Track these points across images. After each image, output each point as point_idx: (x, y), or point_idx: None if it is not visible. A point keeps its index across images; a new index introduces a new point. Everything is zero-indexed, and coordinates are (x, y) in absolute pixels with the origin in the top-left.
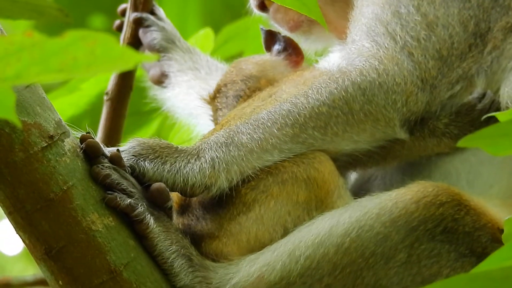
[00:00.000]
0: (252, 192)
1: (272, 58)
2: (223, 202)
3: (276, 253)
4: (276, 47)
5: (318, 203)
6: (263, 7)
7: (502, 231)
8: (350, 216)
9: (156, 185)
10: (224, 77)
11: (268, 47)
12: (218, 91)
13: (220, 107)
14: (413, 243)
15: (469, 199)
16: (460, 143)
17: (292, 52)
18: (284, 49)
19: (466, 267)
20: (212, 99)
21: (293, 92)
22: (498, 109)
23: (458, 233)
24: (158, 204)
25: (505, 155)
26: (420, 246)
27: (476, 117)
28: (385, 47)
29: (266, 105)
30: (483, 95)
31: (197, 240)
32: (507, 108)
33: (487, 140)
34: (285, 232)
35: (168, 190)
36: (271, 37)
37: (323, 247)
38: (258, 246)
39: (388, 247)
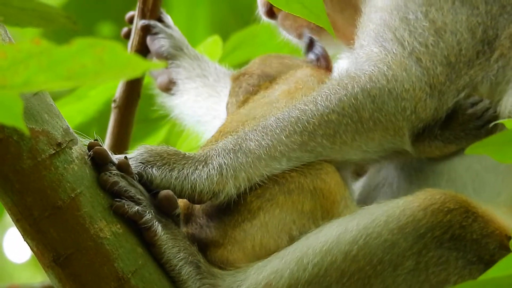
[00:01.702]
0: (257, 200)
1: (299, 63)
2: (227, 209)
3: (284, 261)
4: (310, 55)
5: (324, 214)
6: (271, 14)
7: (510, 238)
8: (357, 224)
9: (164, 192)
10: (249, 65)
11: (306, 53)
12: (238, 77)
13: (232, 93)
14: (421, 250)
15: (477, 206)
16: (467, 151)
17: (322, 64)
18: (317, 60)
19: (474, 274)
20: (234, 79)
21: (285, 89)
22: (494, 117)
23: (465, 240)
24: (166, 211)
25: (509, 163)
26: (428, 253)
27: (466, 121)
28: (393, 52)
29: (258, 105)
30: (478, 102)
31: (202, 248)
32: (509, 117)
33: (494, 147)
34: (291, 240)
35: (176, 197)
36: (311, 44)
37: (331, 255)
38: (264, 253)
39: (396, 254)
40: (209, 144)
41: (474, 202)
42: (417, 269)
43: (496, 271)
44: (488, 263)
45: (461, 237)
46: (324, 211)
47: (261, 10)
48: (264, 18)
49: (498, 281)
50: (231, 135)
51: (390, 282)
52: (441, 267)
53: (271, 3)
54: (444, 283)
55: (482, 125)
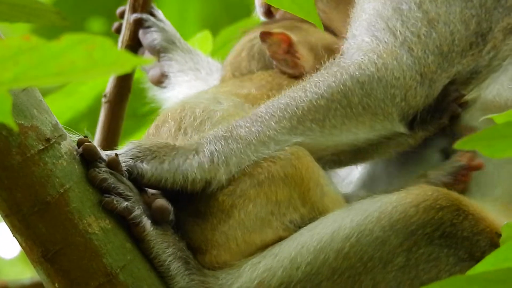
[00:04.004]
0: (229, 198)
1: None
2: (201, 213)
3: (278, 258)
4: None
5: (303, 202)
6: (269, 14)
7: (500, 235)
8: (351, 221)
9: (157, 203)
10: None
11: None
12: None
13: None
14: (411, 247)
15: (468, 204)
16: (457, 146)
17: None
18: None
19: (465, 271)
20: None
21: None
22: (459, 97)
23: (456, 238)
24: (159, 221)
25: (502, 157)
26: (418, 250)
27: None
28: (385, 42)
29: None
30: (451, 91)
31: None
32: (493, 105)
33: (483, 142)
34: (275, 231)
35: (169, 208)
36: None
37: (324, 253)
38: (252, 248)
39: (387, 251)
40: (150, 134)
41: (465, 200)
42: (408, 266)
43: (484, 266)
44: (479, 260)
45: (452, 235)
46: (301, 199)
47: (259, 10)
48: (262, 19)
49: (486, 275)
50: (221, 124)
51: (380, 279)
52: (432, 264)
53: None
54: (434, 280)
55: (445, 107)
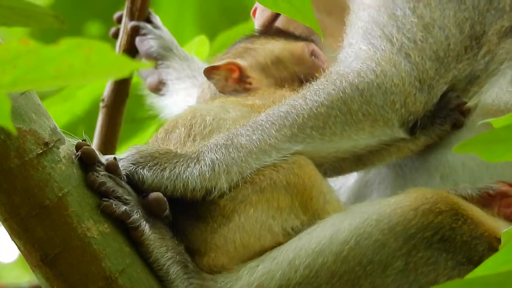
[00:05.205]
0: (231, 203)
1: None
2: (201, 217)
3: (276, 261)
4: None
5: (304, 210)
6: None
7: (499, 240)
8: (350, 224)
9: (153, 195)
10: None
11: None
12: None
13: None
14: (410, 251)
15: (467, 208)
16: (455, 149)
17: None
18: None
19: (464, 275)
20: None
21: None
22: (460, 104)
23: (455, 242)
24: (156, 213)
25: (500, 161)
26: (417, 254)
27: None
28: (382, 49)
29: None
30: (452, 99)
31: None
32: (493, 109)
33: (481, 146)
34: (275, 237)
35: (165, 199)
36: None
37: (323, 256)
38: (250, 253)
39: (386, 255)
40: (159, 138)
41: (464, 204)
42: (407, 269)
43: (483, 270)
44: (477, 264)
45: (451, 239)
46: (303, 207)
47: (256, 24)
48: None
49: (485, 279)
50: (223, 132)
51: (379, 283)
52: (431, 267)
53: (259, 3)
54: (433, 284)
55: (447, 114)
